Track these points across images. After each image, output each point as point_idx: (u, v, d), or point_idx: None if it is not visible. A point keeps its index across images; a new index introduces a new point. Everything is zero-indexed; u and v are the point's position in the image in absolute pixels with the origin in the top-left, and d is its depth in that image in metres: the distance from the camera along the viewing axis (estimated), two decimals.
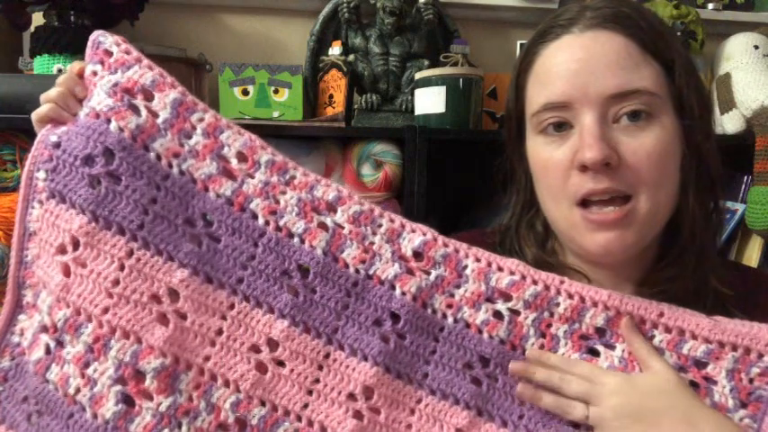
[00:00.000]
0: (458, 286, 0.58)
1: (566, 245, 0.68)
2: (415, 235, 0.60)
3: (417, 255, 0.59)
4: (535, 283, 0.58)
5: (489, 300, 0.58)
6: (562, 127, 0.61)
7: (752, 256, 1.10)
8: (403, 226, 0.61)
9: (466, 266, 0.59)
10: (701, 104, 0.62)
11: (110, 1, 1.12)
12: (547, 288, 0.58)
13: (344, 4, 1.21)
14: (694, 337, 0.56)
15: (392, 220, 0.61)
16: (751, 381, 0.54)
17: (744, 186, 1.12)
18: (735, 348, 0.55)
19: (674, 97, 0.61)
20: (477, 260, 0.59)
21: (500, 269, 0.59)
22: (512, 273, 0.59)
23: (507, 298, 0.58)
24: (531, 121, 0.64)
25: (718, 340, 0.55)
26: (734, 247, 1.12)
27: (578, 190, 0.59)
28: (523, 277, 0.59)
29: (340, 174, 1.07)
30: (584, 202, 0.60)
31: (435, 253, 0.59)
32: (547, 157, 0.62)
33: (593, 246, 0.60)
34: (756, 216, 1.04)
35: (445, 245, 0.60)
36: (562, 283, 0.58)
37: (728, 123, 1.17)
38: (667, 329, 0.56)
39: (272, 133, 1.03)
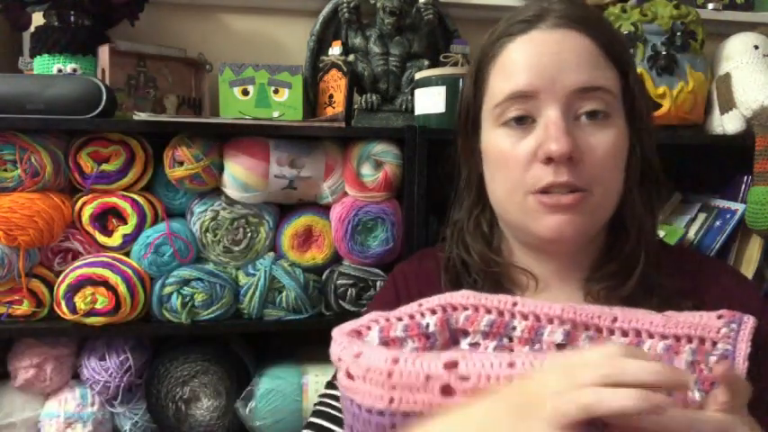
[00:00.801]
0: (432, 347, 0.58)
1: (514, 238, 0.71)
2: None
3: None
4: (488, 311, 0.58)
5: (456, 342, 0.58)
6: (523, 120, 0.63)
7: (752, 256, 1.10)
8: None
9: (428, 324, 0.58)
10: (648, 109, 0.68)
11: (110, 1, 1.12)
12: (501, 314, 0.58)
13: (344, 4, 1.21)
14: (651, 335, 0.56)
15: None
16: (711, 369, 0.53)
17: (744, 186, 1.12)
18: (690, 340, 0.55)
19: (627, 101, 0.65)
20: (433, 312, 0.59)
21: (454, 309, 0.59)
22: (465, 308, 0.58)
23: (466, 334, 0.58)
24: (493, 113, 0.65)
25: (673, 335, 0.55)
26: (734, 247, 1.11)
27: (538, 181, 0.62)
28: (476, 309, 0.58)
29: (340, 174, 1.07)
30: (540, 192, 0.62)
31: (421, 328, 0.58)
32: (507, 148, 0.64)
33: (546, 229, 0.63)
34: (756, 216, 1.04)
35: (399, 319, 0.59)
36: (515, 305, 0.58)
37: (728, 123, 1.17)
38: (624, 333, 0.56)
39: (272, 133, 1.04)
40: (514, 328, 0.57)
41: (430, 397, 0.51)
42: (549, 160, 0.60)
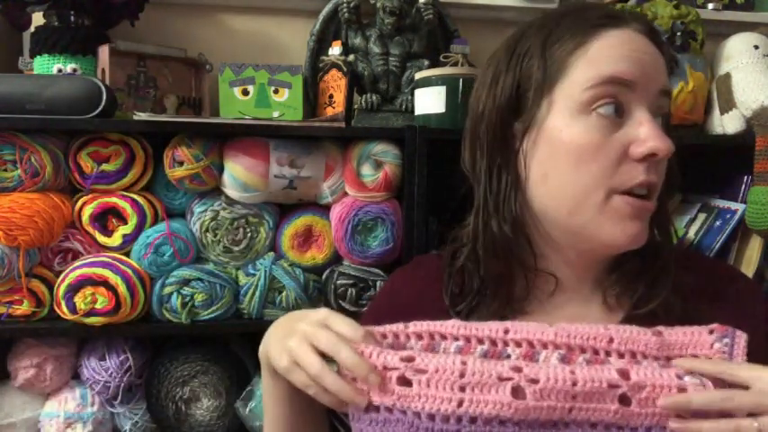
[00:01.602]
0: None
1: (546, 242, 0.67)
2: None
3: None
4: (481, 341, 0.57)
5: None
6: (615, 112, 0.60)
7: (752, 257, 1.10)
8: None
9: (412, 348, 0.58)
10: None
11: (110, 1, 1.12)
12: (494, 343, 0.57)
13: (344, 4, 1.21)
14: (645, 356, 0.56)
15: None
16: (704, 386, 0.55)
17: (744, 186, 1.12)
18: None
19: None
20: (420, 338, 0.58)
21: (443, 337, 0.58)
22: (456, 338, 0.58)
23: None
24: (581, 96, 0.60)
25: (665, 356, 0.56)
26: (734, 247, 1.11)
27: (630, 180, 0.60)
28: (468, 340, 0.57)
29: (340, 174, 1.07)
30: (626, 192, 0.61)
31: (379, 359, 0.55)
32: (597, 140, 0.60)
33: (624, 235, 0.61)
34: (756, 216, 1.04)
35: (384, 336, 0.58)
36: (506, 332, 0.57)
37: (728, 123, 1.17)
38: (620, 355, 0.56)
39: (272, 133, 1.04)
40: (509, 357, 0.56)
41: (501, 397, 0.52)
42: (648, 158, 0.59)
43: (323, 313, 0.60)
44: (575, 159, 0.60)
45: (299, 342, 0.57)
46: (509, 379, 0.52)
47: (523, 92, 0.64)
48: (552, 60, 0.62)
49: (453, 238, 0.74)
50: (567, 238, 0.65)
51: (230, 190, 1.04)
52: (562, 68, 0.62)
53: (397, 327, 0.59)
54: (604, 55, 0.61)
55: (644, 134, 0.59)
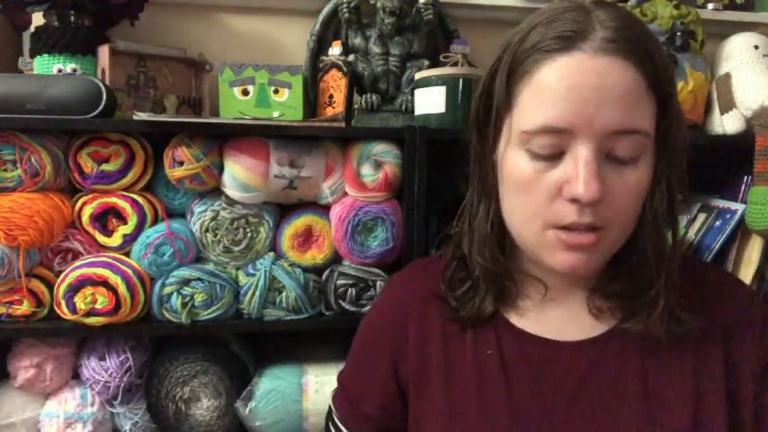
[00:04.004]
0: None
1: (526, 255, 0.69)
2: None
3: None
4: None
5: None
6: (547, 153, 0.60)
7: (752, 257, 1.10)
8: None
9: None
10: (682, 140, 0.63)
11: (110, 1, 1.12)
12: None
13: (344, 4, 1.21)
14: None
15: None
16: None
17: (744, 186, 1.12)
18: None
19: (660, 133, 0.61)
20: None
21: None
22: None
23: None
24: (520, 136, 0.60)
25: None
26: (734, 247, 1.11)
27: (561, 219, 0.59)
28: None
29: (340, 174, 1.07)
30: (560, 228, 0.60)
31: None
32: (532, 177, 0.60)
33: (560, 264, 0.61)
34: (756, 216, 1.04)
35: None
36: None
37: (728, 123, 1.17)
38: None
39: (272, 133, 1.03)
40: None
41: None
42: (574, 200, 0.58)
43: None
44: (513, 190, 0.63)
45: None
46: None
47: (498, 111, 0.65)
48: (509, 83, 0.62)
49: (448, 236, 0.76)
50: (531, 256, 0.67)
51: (230, 190, 1.04)
52: (514, 97, 0.62)
53: None
54: (542, 95, 0.58)
55: (571, 174, 0.58)
